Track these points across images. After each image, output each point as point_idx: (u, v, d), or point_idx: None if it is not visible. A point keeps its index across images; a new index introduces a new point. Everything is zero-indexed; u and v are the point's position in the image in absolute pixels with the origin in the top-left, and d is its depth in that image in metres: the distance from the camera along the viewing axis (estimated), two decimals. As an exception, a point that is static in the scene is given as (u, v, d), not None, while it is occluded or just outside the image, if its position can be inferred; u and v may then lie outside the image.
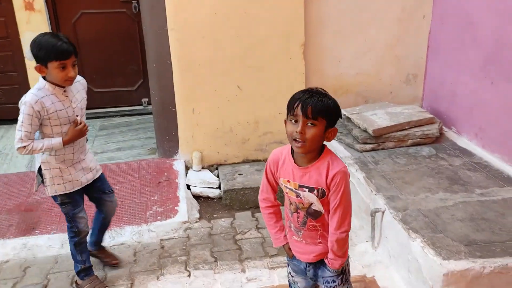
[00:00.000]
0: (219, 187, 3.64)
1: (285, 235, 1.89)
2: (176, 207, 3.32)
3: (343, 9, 3.81)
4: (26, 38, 4.77)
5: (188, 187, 3.63)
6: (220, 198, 3.58)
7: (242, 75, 3.69)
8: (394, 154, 3.40)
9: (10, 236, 3.05)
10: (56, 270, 2.78)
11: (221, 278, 2.67)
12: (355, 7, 3.82)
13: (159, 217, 3.21)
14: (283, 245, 1.89)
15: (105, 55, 5.09)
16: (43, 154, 2.31)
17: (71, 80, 2.20)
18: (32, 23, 4.74)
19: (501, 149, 3.20)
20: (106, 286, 2.57)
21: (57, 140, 2.23)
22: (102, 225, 2.72)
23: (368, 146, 3.47)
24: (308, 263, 1.85)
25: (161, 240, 3.05)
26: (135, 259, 2.87)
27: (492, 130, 3.30)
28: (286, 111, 1.69)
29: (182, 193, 3.48)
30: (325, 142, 1.70)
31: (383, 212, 2.71)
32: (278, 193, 1.88)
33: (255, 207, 3.47)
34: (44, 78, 2.22)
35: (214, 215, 3.39)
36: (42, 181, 2.38)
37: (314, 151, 1.68)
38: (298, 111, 1.59)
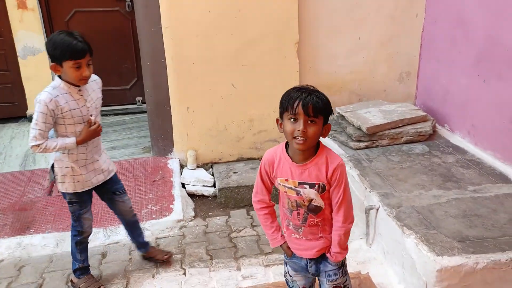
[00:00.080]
0: (214, 185, 3.64)
1: (282, 235, 1.89)
2: (171, 206, 3.32)
3: (336, 7, 3.82)
4: (19, 37, 4.76)
5: (183, 185, 3.63)
6: (215, 196, 3.59)
7: (237, 73, 3.69)
8: (388, 152, 3.42)
9: (5, 236, 3.03)
10: (51, 269, 2.78)
11: (217, 276, 2.68)
12: (348, 5, 3.84)
13: (154, 216, 3.21)
14: (280, 245, 1.89)
15: (98, 54, 4.97)
16: (56, 152, 2.31)
17: (85, 79, 2.20)
18: (25, 22, 4.72)
19: (493, 146, 3.23)
20: (102, 285, 2.57)
21: (71, 140, 2.23)
22: (128, 226, 2.71)
23: (362, 144, 3.49)
24: (310, 259, 1.86)
25: (156, 238, 3.05)
26: (131, 257, 2.87)
27: (484, 127, 3.33)
28: (280, 110, 1.70)
29: (177, 191, 3.48)
30: (320, 138, 1.72)
31: (377, 209, 2.73)
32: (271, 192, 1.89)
33: (250, 205, 3.48)
34: (59, 77, 2.22)
35: (209, 213, 3.40)
36: (54, 178, 2.39)
37: (312, 148, 1.71)
38: (299, 109, 1.60)
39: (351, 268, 2.61)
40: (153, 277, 2.69)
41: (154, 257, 2.77)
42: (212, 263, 2.80)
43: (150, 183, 3.58)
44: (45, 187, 2.41)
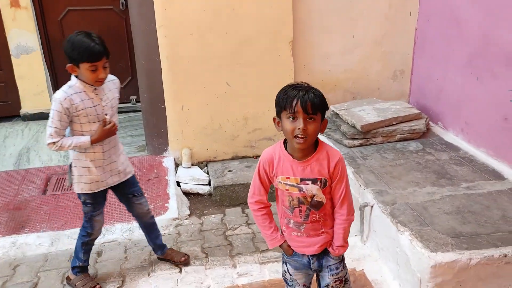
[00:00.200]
0: (209, 184, 3.65)
1: (281, 234, 1.89)
2: (166, 204, 3.32)
3: (331, 6, 3.83)
4: (12, 35, 4.73)
5: (178, 184, 3.64)
6: (210, 194, 3.60)
7: (231, 72, 3.70)
8: (382, 149, 3.44)
9: (-1, 235, 3.03)
10: (46, 268, 2.77)
11: (212, 274, 2.69)
12: (342, 4, 3.85)
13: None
14: (280, 244, 1.89)
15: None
16: (74, 151, 2.32)
17: (101, 81, 2.22)
18: (18, 20, 4.69)
19: (486, 144, 3.26)
20: (98, 284, 2.57)
21: (85, 138, 2.24)
22: (145, 228, 2.70)
23: (357, 142, 3.50)
24: (312, 255, 1.87)
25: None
26: (126, 256, 2.87)
27: (477, 125, 3.36)
28: (278, 109, 1.69)
29: (172, 190, 3.48)
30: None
31: (372, 207, 2.75)
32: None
33: (245, 203, 3.48)
34: (76, 76, 2.23)
35: (204, 212, 3.40)
36: (72, 178, 2.41)
37: (312, 144, 1.73)
38: (298, 108, 1.61)
39: (346, 265, 2.64)
40: (148, 275, 2.69)
41: (172, 259, 2.76)
42: (208, 261, 2.81)
43: (145, 181, 3.58)
44: (67, 186, 2.44)
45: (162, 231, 3.10)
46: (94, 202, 2.42)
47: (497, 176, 2.98)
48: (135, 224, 3.11)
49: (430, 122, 3.82)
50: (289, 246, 1.89)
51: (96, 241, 2.94)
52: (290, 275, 1.96)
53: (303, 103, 1.60)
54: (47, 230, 3.07)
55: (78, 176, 2.36)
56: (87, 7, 4.90)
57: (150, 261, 2.81)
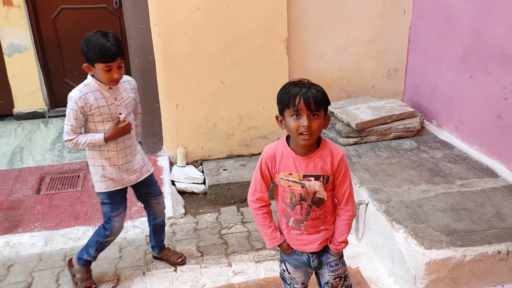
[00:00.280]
0: (204, 183, 3.64)
1: (281, 233, 1.88)
2: (161, 203, 3.31)
3: (325, 4, 3.84)
4: (5, 34, 4.69)
5: (173, 183, 3.63)
6: (205, 193, 3.59)
7: (226, 70, 3.69)
8: (376, 148, 3.45)
9: (-8, 235, 3.00)
10: (40, 267, 2.75)
11: (208, 272, 2.69)
12: (337, 2, 3.86)
13: (144, 213, 3.18)
14: (280, 244, 1.87)
15: (86, 51, 5.02)
16: (89, 150, 2.34)
17: (115, 81, 2.23)
18: (11, 19, 4.65)
19: (480, 141, 3.28)
20: (94, 284, 2.56)
21: (99, 136, 2.26)
22: (155, 228, 2.71)
23: (351, 140, 3.51)
24: (311, 253, 1.87)
25: (146, 235, 3.03)
26: (121, 255, 2.86)
27: (471, 123, 3.38)
28: (280, 107, 1.69)
29: (167, 189, 3.47)
30: None
31: (367, 204, 2.76)
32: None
33: (240, 202, 3.49)
34: (92, 75, 2.25)
35: (200, 211, 3.40)
36: (91, 177, 2.41)
37: (315, 141, 1.73)
38: (301, 105, 1.61)
39: (341, 263, 2.64)
40: (144, 274, 2.68)
41: (168, 259, 2.76)
42: (203, 260, 2.80)
43: (139, 180, 3.57)
44: (91, 186, 2.45)
45: (157, 230, 3.10)
46: (112, 201, 2.41)
47: (491, 173, 3.00)
48: (129, 223, 3.11)
49: (424, 120, 3.84)
50: (288, 245, 1.88)
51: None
52: (289, 273, 1.95)
53: (306, 100, 1.60)
54: (41, 229, 3.05)
55: (94, 175, 2.37)
56: (80, 5, 4.87)
57: (145, 260, 2.80)
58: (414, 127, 3.61)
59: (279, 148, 1.77)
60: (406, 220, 2.50)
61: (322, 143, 1.76)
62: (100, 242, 2.49)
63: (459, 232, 2.38)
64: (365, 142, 3.54)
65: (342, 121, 3.59)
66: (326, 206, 1.80)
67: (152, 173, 2.57)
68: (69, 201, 3.37)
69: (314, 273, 2.00)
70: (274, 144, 1.81)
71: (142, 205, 3.27)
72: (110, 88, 2.27)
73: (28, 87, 4.90)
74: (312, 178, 1.73)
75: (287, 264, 1.94)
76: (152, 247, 2.78)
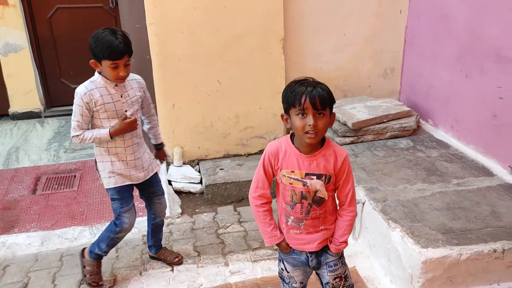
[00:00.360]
0: (201, 182, 3.64)
1: (280, 232, 1.87)
2: (157, 203, 3.30)
3: (322, 4, 3.84)
4: (0, 33, 4.68)
5: (170, 182, 3.62)
6: (201, 193, 3.59)
7: (222, 70, 3.69)
8: (373, 147, 3.46)
9: (-12, 235, 2.99)
10: (36, 268, 2.74)
11: (205, 272, 2.68)
12: (334, 2, 3.86)
13: (140, 213, 3.19)
14: (279, 243, 1.87)
15: (82, 51, 4.97)
16: (97, 146, 2.35)
17: (122, 79, 2.23)
18: (6, 18, 4.64)
19: (476, 141, 3.29)
20: (101, 281, 2.55)
21: (104, 131, 2.26)
22: (154, 227, 2.70)
23: (348, 139, 3.52)
24: (310, 253, 1.86)
25: (143, 235, 3.03)
26: (117, 255, 2.85)
27: (467, 122, 3.39)
28: (285, 106, 1.68)
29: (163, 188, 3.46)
30: None
31: (363, 204, 2.76)
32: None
33: (237, 202, 3.49)
34: (99, 72, 2.25)
35: (196, 210, 3.39)
36: (100, 175, 2.42)
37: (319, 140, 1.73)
38: (307, 104, 1.60)
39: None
40: (140, 274, 2.68)
41: (165, 259, 2.76)
42: (200, 259, 2.80)
43: (136, 180, 3.56)
44: (100, 184, 2.46)
45: (153, 230, 3.09)
46: (121, 197, 2.41)
47: (487, 172, 3.01)
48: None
49: (420, 120, 3.85)
50: (287, 245, 1.87)
51: (86, 240, 2.93)
52: (288, 272, 1.95)
53: (312, 99, 1.60)
54: (37, 230, 3.04)
55: (103, 171, 2.38)
56: (76, 5, 4.87)
57: (142, 260, 2.80)
58: (410, 127, 3.62)
59: (283, 145, 1.77)
60: (403, 219, 2.51)
61: (326, 142, 1.76)
62: (111, 238, 2.48)
63: (455, 231, 2.39)
64: (362, 142, 3.54)
65: (339, 121, 3.60)
66: (327, 206, 1.80)
67: (156, 172, 2.58)
68: (65, 201, 3.36)
69: (315, 274, 2.00)
70: (278, 141, 1.81)
71: (139, 205, 3.29)
72: (116, 85, 2.27)
73: (23, 87, 4.89)
74: (314, 177, 1.73)
75: (285, 263, 1.94)
76: (149, 247, 2.77)
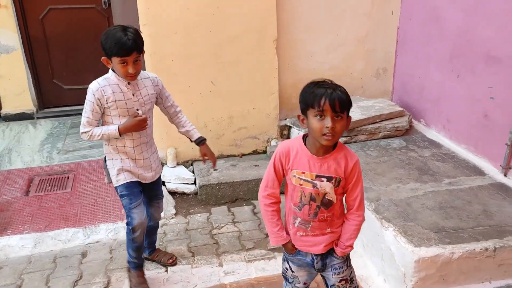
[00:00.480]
0: (195, 183, 3.64)
1: (287, 233, 1.87)
2: (151, 204, 3.30)
3: (314, 4, 3.86)
4: (-8, 34, 4.65)
5: (164, 183, 3.62)
6: (195, 193, 3.59)
7: (216, 70, 3.69)
8: (366, 147, 3.48)
9: (-19, 237, 2.97)
10: (30, 270, 2.73)
11: (199, 273, 2.69)
12: (326, 2, 3.88)
13: (134, 214, 3.19)
14: (285, 243, 1.86)
15: (74, 52, 4.99)
16: (106, 145, 2.33)
17: (131, 76, 2.20)
18: (-2, 19, 4.61)
19: (467, 140, 3.32)
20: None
21: (113, 127, 2.24)
22: (149, 229, 2.66)
23: (341, 139, 3.53)
24: (316, 255, 1.86)
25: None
26: (111, 256, 2.84)
27: (458, 122, 3.42)
28: (303, 106, 1.68)
29: (157, 189, 3.46)
30: None
31: (357, 203, 2.78)
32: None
33: (231, 202, 3.49)
34: (112, 69, 2.25)
35: (190, 211, 3.40)
36: (109, 174, 2.40)
37: None
38: (327, 106, 1.60)
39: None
40: (134, 275, 2.68)
41: (159, 260, 2.76)
42: (194, 260, 2.80)
43: (130, 181, 3.55)
44: (107, 183, 2.43)
45: (147, 231, 3.09)
46: (130, 192, 2.37)
47: (478, 171, 3.04)
48: (120, 224, 3.10)
49: (413, 120, 3.88)
50: (293, 246, 1.87)
51: (80, 242, 2.92)
52: (292, 272, 1.94)
53: (332, 102, 1.60)
54: (30, 231, 3.03)
55: (112, 168, 2.36)
56: (68, 5, 4.84)
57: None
58: (403, 127, 3.64)
59: (295, 146, 1.77)
60: (395, 218, 2.53)
61: (338, 145, 1.76)
62: (130, 240, 2.44)
63: (448, 230, 2.41)
64: (355, 142, 3.56)
65: (332, 121, 3.61)
66: (334, 209, 1.80)
67: (160, 176, 2.58)
68: (58, 203, 3.35)
69: (321, 276, 2.00)
70: (289, 141, 1.81)
71: (111, 206, 3.28)
72: (129, 83, 2.25)
73: (16, 88, 4.86)
74: (324, 179, 1.73)
75: (290, 263, 1.94)
76: (143, 248, 2.77)
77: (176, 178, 3.63)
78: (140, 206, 2.40)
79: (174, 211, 3.34)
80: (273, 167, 1.80)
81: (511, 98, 2.90)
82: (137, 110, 2.28)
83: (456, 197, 2.73)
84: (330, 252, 1.88)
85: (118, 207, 3.26)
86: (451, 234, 2.37)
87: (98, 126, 2.27)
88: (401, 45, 4.11)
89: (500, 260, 2.32)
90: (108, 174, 2.40)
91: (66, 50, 4.96)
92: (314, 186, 1.74)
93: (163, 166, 3.80)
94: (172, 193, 3.58)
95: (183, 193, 3.60)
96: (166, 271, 2.71)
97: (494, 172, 3.01)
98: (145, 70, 2.52)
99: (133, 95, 2.27)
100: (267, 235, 3.01)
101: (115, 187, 2.40)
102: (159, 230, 3.08)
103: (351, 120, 3.40)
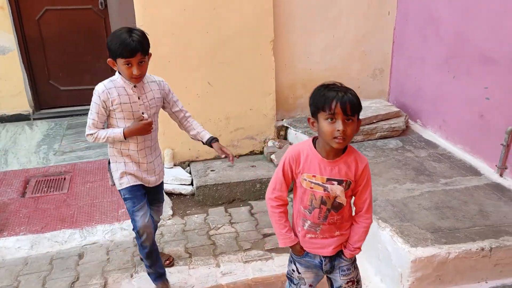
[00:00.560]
0: (192, 184, 3.64)
1: (295, 234, 1.87)
2: (148, 205, 3.30)
3: (311, 5, 3.87)
4: (-12, 35, 4.63)
5: (160, 184, 3.61)
6: (192, 194, 3.58)
7: (212, 71, 3.69)
8: (363, 147, 3.49)
9: (-23, 239, 2.96)
10: (26, 271, 2.72)
11: (196, 274, 2.69)
12: (322, 3, 3.89)
13: (131, 215, 3.18)
14: (293, 245, 1.86)
15: (71, 53, 4.98)
16: (110, 147, 2.33)
17: (136, 78, 2.19)
18: (-6, 20, 4.60)
19: (463, 140, 3.33)
20: None
21: (119, 131, 2.23)
22: None
23: (338, 140, 3.54)
24: (324, 257, 1.86)
25: (134, 238, 3.02)
26: (108, 257, 2.84)
27: (454, 122, 3.43)
28: (313, 109, 1.68)
29: (154, 190, 3.45)
30: None
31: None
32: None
33: (228, 203, 3.49)
34: (119, 72, 2.24)
35: (187, 212, 3.39)
36: (112, 177, 2.39)
37: None
38: (338, 109, 1.60)
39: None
40: (131, 276, 2.67)
41: None
42: (191, 261, 2.80)
43: (126, 182, 3.55)
44: (110, 185, 2.42)
45: (144, 232, 3.08)
46: (133, 196, 2.36)
47: (474, 172, 3.05)
48: (117, 225, 3.10)
49: (409, 120, 3.89)
50: (301, 248, 1.87)
51: (76, 243, 2.92)
52: (299, 273, 1.93)
53: (343, 105, 1.59)
54: (26, 233, 3.02)
55: (116, 171, 2.35)
56: (65, 6, 4.83)
57: (133, 263, 2.79)
58: (399, 127, 3.65)
59: (305, 149, 1.76)
60: (392, 218, 2.53)
61: (348, 148, 1.76)
62: (140, 246, 2.41)
63: (444, 230, 2.42)
64: (352, 142, 3.56)
65: (329, 122, 3.62)
66: (344, 212, 1.80)
67: (162, 181, 2.57)
68: (55, 204, 3.34)
69: (326, 278, 1.99)
70: (299, 145, 1.80)
71: (108, 208, 3.28)
72: (135, 86, 2.24)
73: (12, 89, 4.85)
74: (335, 182, 1.73)
75: (297, 264, 1.93)
76: (158, 256, 2.74)
77: (173, 179, 3.63)
78: (144, 209, 2.38)
79: (171, 212, 3.34)
80: (282, 171, 1.79)
81: (506, 98, 2.92)
82: (143, 113, 2.27)
83: (452, 197, 2.74)
84: (338, 254, 1.88)
85: (115, 208, 3.26)
86: (447, 234, 2.38)
87: (103, 128, 2.26)
88: (397, 46, 4.12)
89: (496, 260, 2.33)
90: (112, 177, 2.40)
91: (62, 51, 4.95)
92: (325, 189, 1.74)
93: (160, 167, 3.79)
94: (169, 194, 3.58)
95: (180, 194, 3.60)
96: (163, 272, 2.70)
97: (490, 172, 3.02)
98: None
99: (139, 98, 2.26)
100: (264, 236, 3.02)
101: (119, 190, 2.39)
102: (156, 231, 3.08)
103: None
